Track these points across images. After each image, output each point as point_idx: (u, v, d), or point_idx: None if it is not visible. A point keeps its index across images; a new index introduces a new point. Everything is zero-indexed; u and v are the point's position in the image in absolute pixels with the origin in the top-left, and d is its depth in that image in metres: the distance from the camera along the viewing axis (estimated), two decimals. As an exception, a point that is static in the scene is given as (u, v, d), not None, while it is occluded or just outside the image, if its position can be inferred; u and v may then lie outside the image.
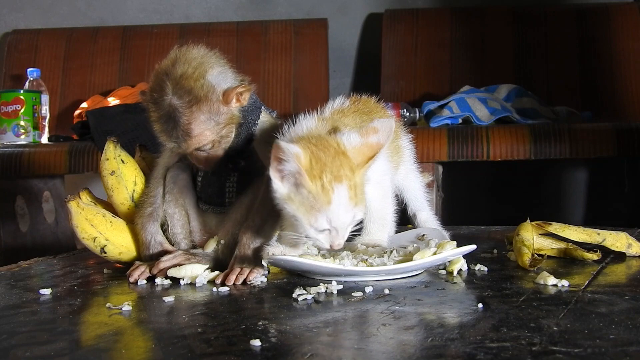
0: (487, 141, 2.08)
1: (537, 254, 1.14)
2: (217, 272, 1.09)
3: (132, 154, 1.29)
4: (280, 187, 0.99)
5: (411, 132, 1.30)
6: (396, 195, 1.25)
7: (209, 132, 1.08)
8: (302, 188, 0.97)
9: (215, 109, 1.07)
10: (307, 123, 1.06)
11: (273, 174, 0.98)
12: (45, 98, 2.59)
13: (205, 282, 1.07)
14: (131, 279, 1.10)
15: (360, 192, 0.99)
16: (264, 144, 1.15)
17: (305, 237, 1.01)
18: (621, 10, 2.76)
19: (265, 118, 1.18)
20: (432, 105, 2.36)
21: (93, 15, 3.12)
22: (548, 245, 1.20)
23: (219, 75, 1.09)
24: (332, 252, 1.14)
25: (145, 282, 1.09)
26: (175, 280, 1.08)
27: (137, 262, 1.16)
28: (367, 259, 1.07)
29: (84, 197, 1.22)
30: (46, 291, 1.02)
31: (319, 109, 1.13)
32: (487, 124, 2.25)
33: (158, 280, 1.08)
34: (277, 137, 1.04)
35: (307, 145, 0.99)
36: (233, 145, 1.14)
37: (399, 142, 1.21)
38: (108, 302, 0.94)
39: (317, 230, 0.98)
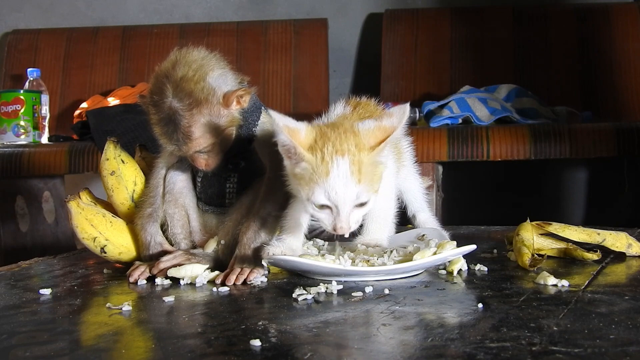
0: (487, 141, 2.08)
1: (537, 254, 1.14)
2: (217, 272, 1.09)
3: (132, 154, 1.29)
4: (288, 163, 0.99)
5: (411, 132, 1.30)
6: (397, 197, 1.25)
7: (210, 135, 1.08)
8: (302, 162, 0.96)
9: (216, 112, 1.07)
10: None
11: (281, 149, 0.99)
12: (45, 98, 2.59)
13: (205, 282, 1.07)
14: (131, 279, 1.10)
15: (369, 173, 0.96)
16: (265, 145, 1.16)
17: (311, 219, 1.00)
18: (621, 10, 2.76)
19: (265, 119, 1.18)
20: (432, 105, 2.36)
21: (93, 15, 3.12)
22: (548, 245, 1.20)
23: (220, 77, 1.09)
24: (331, 250, 1.14)
25: (145, 282, 1.09)
26: (175, 280, 1.08)
27: (137, 262, 1.16)
28: (367, 259, 1.07)
29: (84, 197, 1.22)
30: (46, 291, 1.02)
31: (322, 116, 1.13)
32: (487, 124, 2.25)
33: (158, 280, 1.08)
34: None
35: (319, 126, 0.99)
36: (233, 147, 1.14)
37: (399, 144, 1.21)
38: (108, 302, 0.94)
39: (316, 206, 0.96)
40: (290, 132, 0.96)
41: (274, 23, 2.96)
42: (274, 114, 0.96)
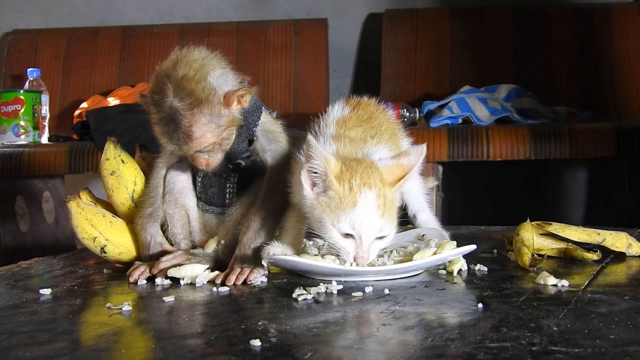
0: (487, 141, 2.08)
1: (537, 254, 1.14)
2: (217, 272, 1.09)
3: (132, 154, 1.29)
4: (309, 192, 1.01)
5: (411, 132, 1.30)
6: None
7: (210, 135, 1.08)
8: (330, 190, 0.99)
9: (217, 112, 1.07)
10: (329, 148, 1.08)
11: (304, 178, 1.00)
12: (45, 98, 2.59)
13: (205, 282, 1.07)
14: (131, 279, 1.10)
15: (390, 208, 1.00)
16: (265, 146, 1.16)
17: (331, 244, 1.02)
18: (621, 10, 2.77)
19: (265, 119, 1.18)
20: (432, 105, 2.36)
21: (93, 15, 3.13)
22: (548, 245, 1.20)
23: (220, 77, 1.09)
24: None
25: (145, 282, 1.09)
26: (175, 280, 1.08)
27: (137, 262, 1.16)
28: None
29: (84, 197, 1.22)
30: (46, 291, 1.02)
31: (321, 118, 1.13)
32: (487, 124, 2.25)
33: (158, 280, 1.08)
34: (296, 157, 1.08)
35: (341, 158, 1.02)
36: (234, 146, 1.14)
37: (399, 144, 1.21)
38: (108, 302, 0.94)
39: (341, 234, 0.99)
40: (326, 160, 0.98)
41: (274, 23, 2.96)
42: (312, 141, 0.98)
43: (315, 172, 0.99)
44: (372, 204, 0.98)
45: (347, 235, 0.99)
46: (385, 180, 1.01)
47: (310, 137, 0.99)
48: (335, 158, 1.02)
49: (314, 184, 1.01)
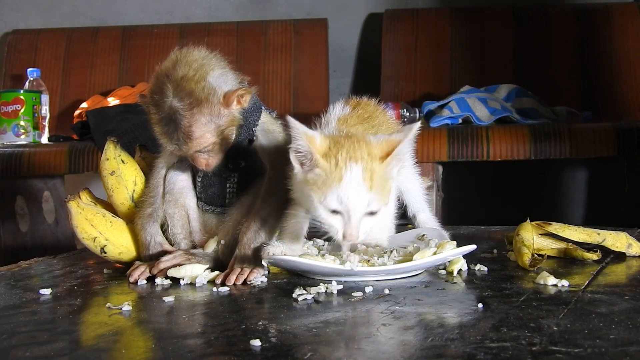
0: (487, 141, 2.08)
1: (537, 254, 1.14)
2: (217, 272, 1.09)
3: (132, 154, 1.29)
4: (298, 170, 1.00)
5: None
6: (397, 197, 1.25)
7: (210, 135, 1.08)
8: (317, 168, 0.97)
9: (216, 112, 1.07)
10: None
11: (292, 156, 0.99)
12: (45, 98, 2.59)
13: (205, 282, 1.07)
14: (131, 279, 1.10)
15: (380, 182, 0.97)
16: (265, 145, 1.16)
17: (317, 221, 1.00)
18: (621, 10, 2.76)
19: (265, 119, 1.18)
20: (432, 105, 2.36)
21: (93, 15, 3.13)
22: (548, 245, 1.20)
23: (220, 77, 1.09)
24: (331, 250, 1.14)
25: (145, 282, 1.09)
26: (175, 280, 1.08)
27: (137, 262, 1.16)
28: (367, 259, 1.07)
29: (84, 197, 1.22)
30: (46, 291, 1.02)
31: (322, 117, 1.13)
32: (487, 124, 2.25)
33: (158, 280, 1.08)
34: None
35: (331, 135, 1.01)
36: (233, 146, 1.14)
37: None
38: (108, 302, 0.94)
39: (328, 211, 0.96)
40: (308, 139, 0.97)
41: (274, 23, 2.96)
42: (293, 121, 0.97)
43: (301, 152, 0.98)
44: (359, 177, 0.96)
45: (335, 212, 0.97)
46: (374, 154, 0.99)
47: (290, 117, 0.98)
48: (323, 135, 1.00)
49: (302, 164, 1.00)
